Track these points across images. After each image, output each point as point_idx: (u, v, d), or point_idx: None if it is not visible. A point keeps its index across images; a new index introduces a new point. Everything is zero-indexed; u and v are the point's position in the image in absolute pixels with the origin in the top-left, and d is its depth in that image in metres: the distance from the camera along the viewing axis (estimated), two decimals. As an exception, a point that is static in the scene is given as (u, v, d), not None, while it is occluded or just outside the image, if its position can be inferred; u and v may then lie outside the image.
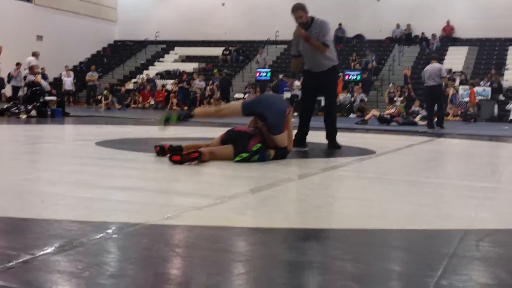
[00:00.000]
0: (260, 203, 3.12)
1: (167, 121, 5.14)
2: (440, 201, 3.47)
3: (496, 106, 18.99)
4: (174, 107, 21.83)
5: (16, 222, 2.51)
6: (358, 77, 22.00)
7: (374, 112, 14.84)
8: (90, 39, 28.19)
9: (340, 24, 25.33)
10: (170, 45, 28.45)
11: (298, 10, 6.32)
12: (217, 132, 5.34)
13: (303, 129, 6.44)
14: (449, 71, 21.79)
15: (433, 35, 24.22)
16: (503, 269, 2.01)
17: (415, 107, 17.16)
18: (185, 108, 21.70)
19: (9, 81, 19.09)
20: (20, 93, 15.35)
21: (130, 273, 1.84)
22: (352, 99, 20.40)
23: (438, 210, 3.12)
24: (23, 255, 1.92)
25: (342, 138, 6.70)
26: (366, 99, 20.28)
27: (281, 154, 5.03)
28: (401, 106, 15.85)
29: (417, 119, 14.39)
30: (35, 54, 17.12)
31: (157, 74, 25.73)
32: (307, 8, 6.38)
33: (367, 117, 14.64)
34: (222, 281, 1.77)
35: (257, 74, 23.81)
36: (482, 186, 4.05)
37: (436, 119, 12.87)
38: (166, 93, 22.89)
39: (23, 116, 11.84)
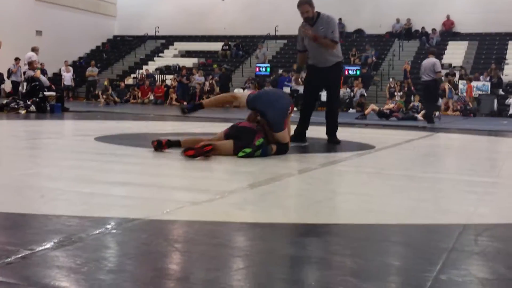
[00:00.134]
0: (260, 198, 3.12)
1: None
2: (439, 196, 3.47)
3: (495, 101, 18.98)
4: (174, 103, 21.82)
5: (15, 217, 2.51)
6: (358, 72, 21.99)
7: (374, 107, 14.83)
8: (89, 34, 28.15)
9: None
10: (169, 40, 28.41)
11: (304, 4, 6.25)
12: (217, 127, 5.34)
13: (303, 124, 6.43)
14: (449, 65, 21.79)
15: (433, 30, 24.19)
16: (501, 264, 2.01)
17: (415, 102, 17.14)
18: (184, 103, 21.73)
19: (8, 77, 19.07)
20: (21, 89, 15.35)
21: (129, 268, 1.85)
22: (352, 94, 20.39)
23: (437, 205, 3.12)
24: (22, 250, 1.92)
25: (342, 133, 6.69)
26: (365, 94, 20.27)
27: (282, 149, 5.03)
28: (401, 101, 15.85)
29: (419, 115, 14.33)
30: (34, 49, 17.08)
31: (156, 69, 25.70)
32: (313, 3, 6.31)
33: (366, 111, 14.62)
34: (221, 276, 1.78)
35: (257, 69, 23.78)
36: (481, 181, 4.05)
37: (427, 116, 12.88)
38: (165, 89, 22.88)
39: (22, 112, 11.83)
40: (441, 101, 17.12)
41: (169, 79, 23.84)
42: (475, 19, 23.42)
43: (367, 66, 22.64)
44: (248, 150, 4.71)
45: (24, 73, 15.01)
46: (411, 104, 16.79)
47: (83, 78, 23.93)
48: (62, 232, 2.20)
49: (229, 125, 5.16)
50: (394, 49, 23.96)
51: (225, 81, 22.37)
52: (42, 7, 25.55)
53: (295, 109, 5.42)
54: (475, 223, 2.64)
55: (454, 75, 20.47)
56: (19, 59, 18.34)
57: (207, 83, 22.35)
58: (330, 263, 1.96)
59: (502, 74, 20.66)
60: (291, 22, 23.46)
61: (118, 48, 29.01)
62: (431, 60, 12.32)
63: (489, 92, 19.43)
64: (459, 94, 19.32)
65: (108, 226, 2.31)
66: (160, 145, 4.91)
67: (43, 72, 17.25)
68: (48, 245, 2.00)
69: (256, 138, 4.80)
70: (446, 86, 18.41)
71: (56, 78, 22.97)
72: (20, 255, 1.87)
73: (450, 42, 23.86)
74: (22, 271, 1.75)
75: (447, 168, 5.25)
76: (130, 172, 4.00)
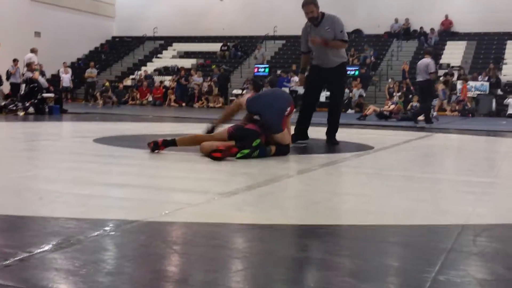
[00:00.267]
0: (258, 200, 3.12)
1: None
2: (437, 196, 3.47)
3: (494, 101, 18.99)
4: (172, 104, 21.82)
5: (13, 219, 2.50)
6: (356, 73, 21.99)
7: (375, 108, 14.82)
8: (88, 35, 28.14)
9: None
10: (168, 41, 28.40)
11: (309, 4, 6.21)
12: (216, 128, 5.34)
13: (303, 123, 6.39)
14: (448, 65, 21.80)
15: (432, 30, 24.21)
16: (500, 264, 2.01)
17: (413, 102, 17.14)
18: (183, 104, 21.71)
19: (7, 78, 19.03)
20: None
21: (128, 270, 1.84)
22: (351, 94, 20.39)
23: (435, 205, 3.12)
24: (20, 253, 1.92)
25: (340, 134, 6.69)
26: (364, 95, 20.27)
27: (283, 150, 5.03)
28: (400, 102, 15.84)
29: (420, 118, 14.29)
30: (33, 51, 17.07)
31: (155, 70, 25.70)
32: (318, 3, 6.25)
33: (368, 112, 14.60)
34: (220, 278, 1.77)
35: (255, 69, 23.78)
36: (479, 181, 4.05)
37: (414, 114, 12.87)
38: (164, 90, 22.87)
39: (21, 113, 11.82)
40: (435, 101, 17.10)
41: (167, 80, 23.83)
42: (473, 18, 23.44)
43: (365, 66, 22.66)
44: (246, 151, 4.71)
45: (23, 74, 14.99)
46: (410, 105, 16.80)
47: (82, 80, 23.91)
48: (61, 234, 2.20)
49: (229, 125, 5.16)
50: (392, 49, 23.98)
51: (223, 82, 22.38)
52: (40, 8, 25.54)
53: (295, 109, 5.42)
54: (474, 223, 2.64)
55: (452, 75, 20.48)
56: (18, 61, 18.32)
57: (205, 84, 22.34)
58: (329, 264, 1.96)
59: (501, 74, 20.67)
60: (289, 23, 23.54)
61: (116, 49, 29.00)
62: (425, 60, 12.34)
63: (487, 92, 19.44)
64: (457, 94, 19.33)
65: (107, 228, 2.31)
66: (157, 145, 4.91)
67: (42, 74, 17.23)
68: (46, 247, 2.00)
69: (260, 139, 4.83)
70: (440, 86, 18.42)
71: (55, 79, 22.96)
72: (18, 258, 1.87)
73: (448, 42, 23.88)
74: (20, 273, 1.74)
75: (446, 168, 5.25)
76: (128, 173, 3.99)
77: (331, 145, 6.31)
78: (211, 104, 21.31)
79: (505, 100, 18.78)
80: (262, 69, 23.57)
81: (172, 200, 3.03)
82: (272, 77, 21.88)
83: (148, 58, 27.64)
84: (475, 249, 2.19)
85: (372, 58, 23.20)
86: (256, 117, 5.03)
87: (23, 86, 13.93)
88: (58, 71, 23.50)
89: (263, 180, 3.67)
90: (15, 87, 17.64)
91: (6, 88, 19.54)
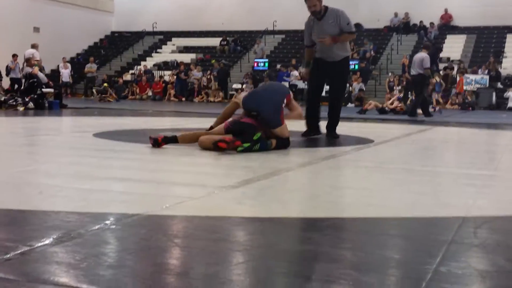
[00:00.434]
0: (259, 193, 3.12)
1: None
2: (438, 189, 3.47)
3: (494, 94, 18.97)
4: (172, 98, 21.79)
5: (14, 214, 2.50)
6: (356, 67, 21.94)
7: (376, 103, 14.75)
8: (87, 31, 28.07)
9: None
10: (167, 36, 28.33)
11: None
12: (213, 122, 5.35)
13: (313, 117, 6.36)
14: (448, 59, 21.76)
15: (431, 24, 24.15)
16: (501, 256, 2.01)
17: (413, 97, 17.09)
18: (183, 99, 21.69)
19: (7, 74, 19.00)
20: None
21: (129, 264, 1.84)
22: (350, 88, 20.36)
23: (436, 198, 3.12)
24: (21, 246, 1.92)
25: (340, 127, 6.68)
26: (364, 89, 20.24)
27: (283, 144, 5.03)
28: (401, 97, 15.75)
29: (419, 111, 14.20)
30: (35, 46, 17.02)
31: (154, 65, 25.65)
32: None
33: (369, 107, 14.54)
34: (221, 271, 1.77)
35: (255, 64, 23.74)
36: (480, 174, 4.05)
37: (409, 107, 12.83)
38: (164, 84, 22.84)
39: (21, 108, 11.81)
40: (434, 95, 17.06)
41: (167, 75, 23.79)
42: (473, 12, 23.38)
43: (365, 60, 22.61)
44: (246, 144, 4.71)
45: (22, 69, 14.97)
46: (409, 99, 16.75)
47: (81, 75, 23.87)
48: (61, 228, 2.20)
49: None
50: (392, 43, 23.92)
51: (223, 76, 22.34)
52: (39, 3, 25.46)
53: (300, 103, 5.40)
54: (474, 215, 2.64)
55: (452, 68, 20.44)
56: (17, 56, 18.28)
57: (204, 79, 22.31)
58: (330, 257, 1.96)
59: (500, 68, 20.64)
60: (289, 17, 23.49)
61: (116, 44, 28.93)
62: (422, 54, 12.29)
63: (487, 85, 19.41)
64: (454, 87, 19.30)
65: (107, 222, 2.31)
66: (157, 142, 4.90)
67: (41, 69, 17.19)
68: (47, 241, 2.00)
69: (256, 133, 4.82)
70: (435, 80, 18.39)
71: (54, 74, 22.91)
72: (19, 251, 1.87)
73: (448, 36, 23.82)
74: (21, 267, 1.74)
75: (446, 161, 5.25)
76: (128, 168, 3.99)
77: (331, 138, 6.30)
78: (211, 99, 21.29)
79: (505, 93, 18.76)
80: (262, 64, 23.52)
81: (173, 193, 3.03)
82: (269, 72, 21.82)
83: (147, 53, 27.58)
84: (476, 241, 2.19)
85: (372, 52, 23.15)
86: (253, 113, 5.02)
87: (23, 81, 13.92)
88: (58, 66, 23.44)
89: (263, 174, 3.67)
90: (15, 82, 17.61)
91: (6, 83, 19.52)
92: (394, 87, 18.64)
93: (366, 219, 2.57)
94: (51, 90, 13.44)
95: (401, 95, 16.24)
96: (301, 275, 1.77)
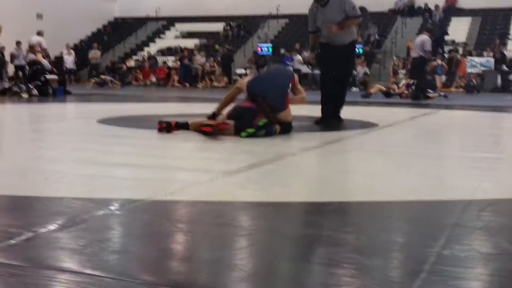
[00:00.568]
0: (262, 177, 3.12)
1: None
2: (442, 172, 3.46)
3: (499, 77, 18.85)
4: (176, 84, 21.76)
5: (19, 200, 2.51)
6: (361, 50, 21.80)
7: (380, 87, 14.67)
8: (90, 17, 27.96)
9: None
10: (170, 21, 28.21)
11: None
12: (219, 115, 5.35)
13: (327, 104, 6.30)
14: (453, 42, 21.60)
15: (436, 6, 23.93)
16: (504, 238, 2.00)
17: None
18: (187, 85, 21.65)
19: (11, 61, 19.00)
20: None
21: (133, 249, 1.85)
22: (355, 72, 20.25)
23: (440, 181, 3.11)
24: (25, 232, 1.93)
25: (345, 111, 6.66)
26: (369, 73, 20.15)
27: (286, 129, 5.02)
28: (402, 79, 15.64)
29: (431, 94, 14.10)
30: (41, 34, 16.98)
31: (158, 51, 25.58)
32: None
33: (373, 91, 14.46)
34: (225, 255, 1.78)
35: (259, 49, 23.64)
36: (485, 157, 4.03)
37: (412, 91, 12.77)
38: (167, 70, 22.79)
39: (25, 96, 11.82)
40: (438, 79, 16.93)
41: (171, 60, 23.72)
42: (478, -6, 23.17)
43: (369, 44, 22.47)
44: (251, 130, 4.70)
45: (26, 56, 14.96)
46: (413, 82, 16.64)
47: (85, 61, 23.83)
48: (65, 214, 2.21)
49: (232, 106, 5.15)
50: (397, 27, 23.75)
51: (227, 62, 22.26)
52: (42, -10, 25.36)
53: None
54: (479, 198, 2.63)
55: (457, 51, 20.30)
56: (21, 43, 18.26)
57: (208, 64, 22.25)
58: (333, 240, 1.96)
59: (506, 50, 20.48)
60: (293, 1, 23.30)
61: (119, 30, 28.84)
62: (423, 37, 12.22)
63: (492, 68, 19.28)
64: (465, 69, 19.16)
65: (111, 208, 2.31)
66: (170, 126, 4.88)
67: (46, 56, 17.17)
68: (51, 227, 2.01)
69: (258, 118, 4.79)
70: (436, 62, 18.28)
71: (58, 61, 22.88)
72: (23, 237, 1.88)
73: (453, 18, 23.62)
74: (25, 252, 1.75)
75: (451, 145, 5.24)
76: (132, 153, 4.00)
77: (336, 121, 6.28)
78: (215, 84, 21.23)
79: (510, 76, 18.63)
80: (266, 49, 23.42)
81: (176, 179, 3.04)
82: (271, 57, 21.73)
83: (151, 39, 27.50)
84: (480, 224, 2.19)
85: (376, 36, 23.00)
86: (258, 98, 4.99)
87: (27, 68, 13.92)
88: (61, 53, 23.41)
89: (267, 158, 3.67)
90: (18, 69, 17.62)
91: (10, 70, 19.51)
92: (399, 71, 18.53)
93: (370, 203, 2.57)
94: (55, 77, 13.45)
95: (411, 81, 16.15)
96: (304, 259, 1.78)
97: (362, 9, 24.72)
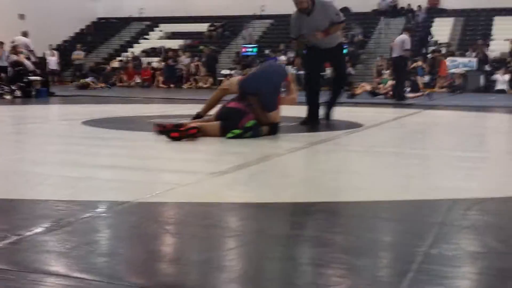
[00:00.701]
0: (249, 178, 3.12)
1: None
2: (428, 172, 3.48)
3: (482, 77, 19.04)
4: (160, 85, 21.67)
5: (2, 203, 2.48)
6: (345, 51, 21.86)
7: (365, 87, 14.73)
8: (73, 17, 27.73)
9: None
10: (154, 21, 28.09)
11: None
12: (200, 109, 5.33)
13: (314, 104, 6.33)
14: (435, 42, 21.78)
15: (419, 7, 24.12)
16: (491, 237, 2.02)
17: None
18: (172, 86, 21.56)
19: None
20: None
21: (120, 251, 1.83)
22: (351, 71, 20.30)
23: (426, 180, 3.13)
24: (10, 236, 1.90)
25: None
26: (353, 73, 20.23)
27: (273, 129, 5.01)
28: (387, 80, 15.74)
29: (410, 95, 14.22)
30: (26, 34, 16.80)
31: (142, 51, 25.46)
32: None
33: (358, 91, 14.51)
34: (213, 257, 1.77)
35: (243, 49, 23.62)
36: (469, 156, 4.07)
37: (395, 92, 12.87)
38: (152, 71, 22.69)
39: (8, 97, 11.69)
40: (419, 80, 17.07)
41: (155, 61, 23.62)
42: (460, -5, 23.37)
43: (353, 44, 22.57)
44: (237, 131, 4.68)
45: (8, 57, 14.79)
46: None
47: (68, 62, 23.64)
48: (51, 217, 2.18)
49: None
50: (380, 27, 23.89)
51: (211, 62, 22.21)
52: (23, -10, 25.10)
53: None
54: (465, 197, 2.65)
55: (440, 51, 20.46)
56: (3, 44, 18.05)
57: (192, 65, 22.19)
58: (321, 241, 1.96)
59: (488, 50, 20.69)
60: (277, 1, 23.32)
61: (103, 30, 28.65)
62: (402, 36, 12.35)
63: (475, 68, 19.47)
64: (447, 70, 19.32)
65: (97, 210, 2.29)
66: (166, 130, 4.58)
67: (29, 58, 17.00)
68: (36, 230, 1.98)
69: (245, 119, 4.76)
70: (417, 64, 18.45)
71: (41, 62, 22.66)
72: (8, 241, 1.85)
73: (436, 19, 23.81)
74: (11, 256, 1.73)
75: (436, 144, 5.27)
76: (117, 155, 3.97)
77: (325, 119, 6.29)
78: (201, 84, 21.16)
79: (493, 76, 18.83)
80: (250, 49, 23.41)
81: (163, 180, 3.02)
82: (250, 59, 21.74)
83: (135, 40, 27.36)
84: (467, 223, 2.20)
85: (360, 36, 23.11)
86: (251, 99, 4.93)
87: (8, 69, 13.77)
88: (44, 53, 23.19)
89: (254, 159, 3.66)
90: (1, 70, 17.41)
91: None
92: (383, 71, 18.63)
93: (356, 203, 2.57)
94: (38, 78, 13.31)
95: (392, 77, 16.23)
96: (293, 260, 1.77)
97: (346, 9, 24.90)
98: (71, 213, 2.24)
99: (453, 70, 19.12)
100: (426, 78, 18.83)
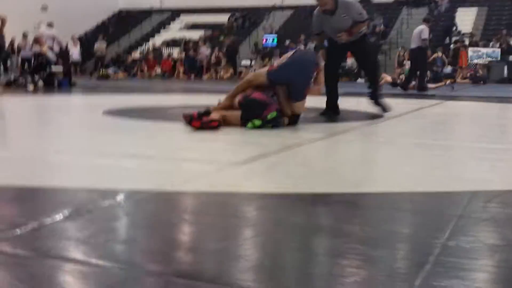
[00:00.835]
0: (268, 169, 3.12)
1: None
2: (449, 163, 3.45)
3: (506, 68, 18.73)
4: (181, 76, 21.75)
5: (24, 190, 2.52)
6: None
7: (387, 78, 14.60)
8: (95, 9, 27.95)
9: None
10: (175, 13, 28.17)
11: None
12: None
13: (333, 95, 6.32)
14: (458, 32, 21.47)
15: (442, -4, 23.80)
16: (511, 230, 2.00)
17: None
18: (192, 76, 21.62)
19: (18, 53, 19.06)
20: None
21: (139, 239, 1.85)
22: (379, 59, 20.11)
23: (447, 172, 3.10)
24: (31, 222, 1.93)
25: (350, 102, 6.65)
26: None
27: (294, 120, 4.99)
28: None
29: (431, 85, 14.04)
30: (51, 25, 16.98)
31: (163, 42, 25.56)
32: None
33: (380, 83, 14.35)
34: (231, 246, 1.78)
35: (264, 40, 23.56)
36: (492, 147, 4.02)
37: (415, 82, 12.69)
38: (172, 62, 22.78)
39: (30, 88, 11.84)
40: (440, 70, 16.86)
41: (175, 52, 23.70)
42: (484, -16, 23.00)
43: (375, 35, 22.36)
44: (257, 122, 4.66)
45: (31, 48, 15.00)
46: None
47: (90, 53, 23.84)
48: (71, 205, 2.21)
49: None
50: (402, 17, 23.62)
51: (232, 53, 22.21)
52: (46, -18, 25.34)
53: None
54: (485, 189, 2.62)
55: (463, 42, 20.18)
56: (27, 35, 18.28)
57: (213, 56, 22.21)
58: (338, 231, 1.96)
59: (512, 40, 20.34)
60: (297, -8, 23.19)
61: (124, 22, 28.83)
62: (420, 27, 12.18)
63: (499, 58, 19.16)
64: (469, 61, 19.06)
65: (117, 198, 2.32)
66: (192, 119, 4.58)
67: (52, 48, 17.18)
68: (57, 217, 2.01)
69: (267, 111, 4.72)
70: (436, 55, 18.20)
71: (63, 53, 22.87)
72: (29, 227, 1.88)
73: (459, 9, 23.47)
74: (31, 243, 1.76)
75: (458, 135, 5.21)
76: (138, 144, 4.00)
77: (375, 105, 6.29)
78: (221, 74, 21.17)
79: (517, 67, 18.51)
80: (271, 39, 23.33)
81: (183, 170, 3.04)
82: (270, 49, 21.68)
83: (155, 31, 27.48)
84: (486, 215, 2.18)
85: (382, 27, 22.88)
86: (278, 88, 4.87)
87: (32, 60, 13.95)
88: (66, 44, 23.41)
89: (273, 149, 3.66)
90: (25, 61, 17.65)
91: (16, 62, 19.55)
92: (404, 62, 18.44)
93: (376, 194, 2.56)
94: (60, 68, 13.45)
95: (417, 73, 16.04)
96: (309, 250, 1.78)
97: (367, 0, 24.61)
98: (91, 201, 2.27)
99: (476, 61, 18.84)
100: (447, 69, 18.60)
